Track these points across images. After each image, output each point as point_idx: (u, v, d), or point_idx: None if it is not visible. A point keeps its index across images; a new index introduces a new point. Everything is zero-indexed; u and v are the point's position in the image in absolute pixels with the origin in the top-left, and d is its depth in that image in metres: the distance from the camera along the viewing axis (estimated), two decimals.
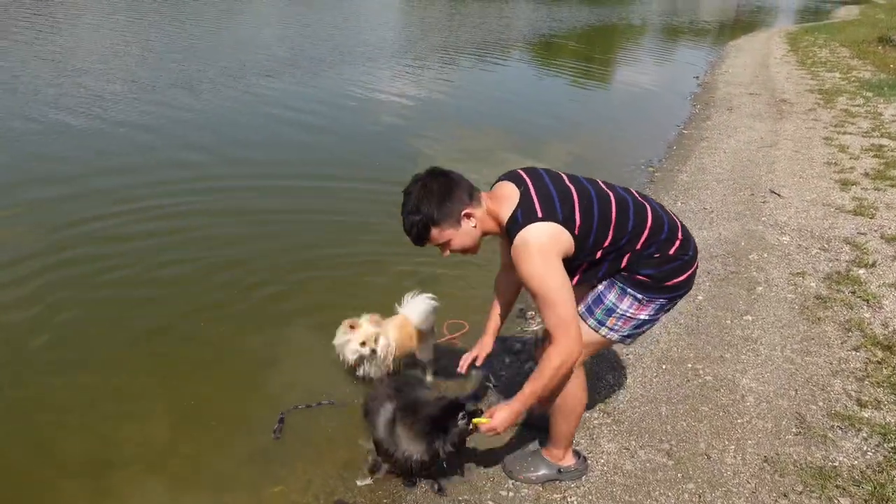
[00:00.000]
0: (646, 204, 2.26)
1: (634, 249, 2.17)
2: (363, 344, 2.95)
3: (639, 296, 2.21)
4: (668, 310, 2.32)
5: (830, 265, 4.29)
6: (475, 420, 2.25)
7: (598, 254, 2.16)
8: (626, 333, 2.29)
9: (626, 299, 2.22)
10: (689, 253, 2.24)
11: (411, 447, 2.39)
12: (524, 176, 2.21)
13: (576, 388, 2.33)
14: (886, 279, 4.10)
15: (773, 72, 13.75)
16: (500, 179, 2.29)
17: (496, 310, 2.63)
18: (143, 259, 4.38)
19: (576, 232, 2.07)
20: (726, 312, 3.78)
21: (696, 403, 3.00)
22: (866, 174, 6.32)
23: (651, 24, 28.61)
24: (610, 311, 2.24)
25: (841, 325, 3.60)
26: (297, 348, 3.52)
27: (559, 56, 17.07)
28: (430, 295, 3.20)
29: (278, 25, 17.72)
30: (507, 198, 2.15)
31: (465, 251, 2.27)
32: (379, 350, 2.99)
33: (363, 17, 21.84)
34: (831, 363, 3.28)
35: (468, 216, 2.16)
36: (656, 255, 2.18)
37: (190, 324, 3.69)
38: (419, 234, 2.19)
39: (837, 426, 2.82)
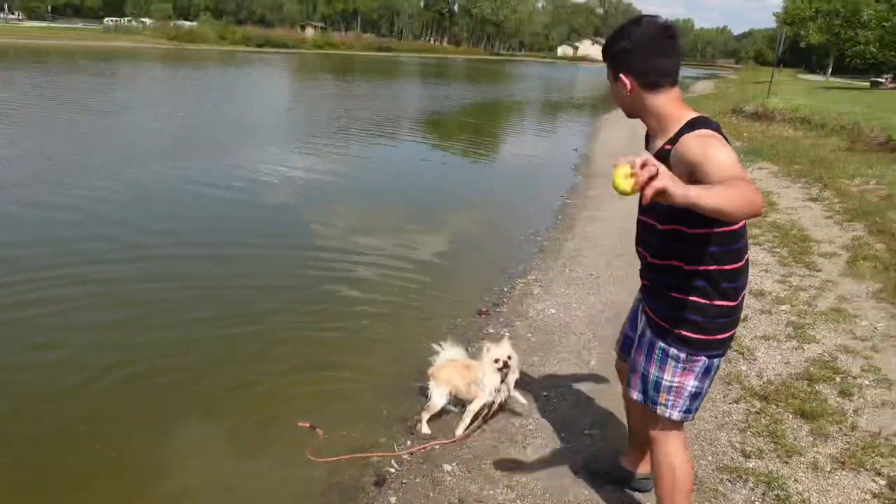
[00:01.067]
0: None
1: (723, 267, 2.05)
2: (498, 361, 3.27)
3: (681, 354, 2.13)
4: (712, 377, 2.22)
5: None
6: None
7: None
8: (684, 408, 2.20)
9: (667, 367, 2.17)
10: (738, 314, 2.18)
11: None
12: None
13: (684, 464, 2.28)
14: (757, 332, 4.42)
15: (642, 143, 14.84)
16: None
17: None
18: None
19: None
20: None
21: None
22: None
23: (533, 100, 30.43)
24: (657, 386, 2.21)
25: (722, 380, 3.82)
26: (189, 451, 3.31)
27: (450, 132, 17.76)
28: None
29: (170, 109, 17.39)
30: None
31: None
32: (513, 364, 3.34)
33: (256, 99, 21.88)
34: (716, 417, 3.46)
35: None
36: (726, 291, 2.08)
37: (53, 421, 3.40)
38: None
39: (726, 479, 2.95)
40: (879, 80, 34.14)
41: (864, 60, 31.68)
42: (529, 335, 4.50)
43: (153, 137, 12.23)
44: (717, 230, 2.02)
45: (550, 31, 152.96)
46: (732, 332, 2.20)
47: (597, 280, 5.63)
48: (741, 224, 2.07)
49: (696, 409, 2.27)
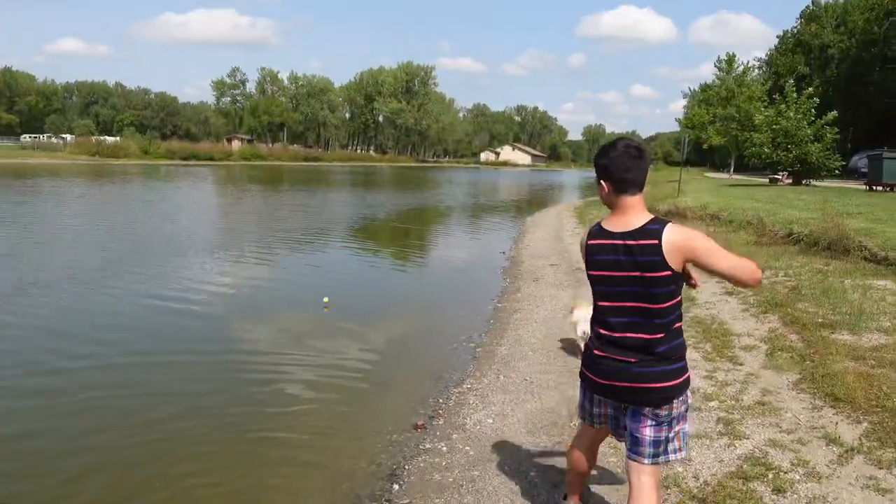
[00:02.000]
0: None
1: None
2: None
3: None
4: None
5: None
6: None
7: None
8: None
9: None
10: None
11: None
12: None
13: None
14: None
15: (567, 243, 15.43)
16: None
17: None
18: None
19: None
20: (558, 489, 3.86)
21: None
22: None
23: (461, 204, 31.29)
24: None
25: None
26: None
27: (381, 238, 17.99)
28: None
29: (100, 224, 16.89)
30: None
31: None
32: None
33: (185, 210, 21.61)
34: None
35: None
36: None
37: None
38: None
39: None
40: (777, 176, 37.04)
41: (760, 160, 34.45)
42: (468, 448, 4.41)
43: (78, 252, 11.82)
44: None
45: (472, 139, 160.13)
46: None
47: (531, 385, 5.63)
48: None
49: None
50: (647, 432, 2.72)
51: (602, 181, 2.76)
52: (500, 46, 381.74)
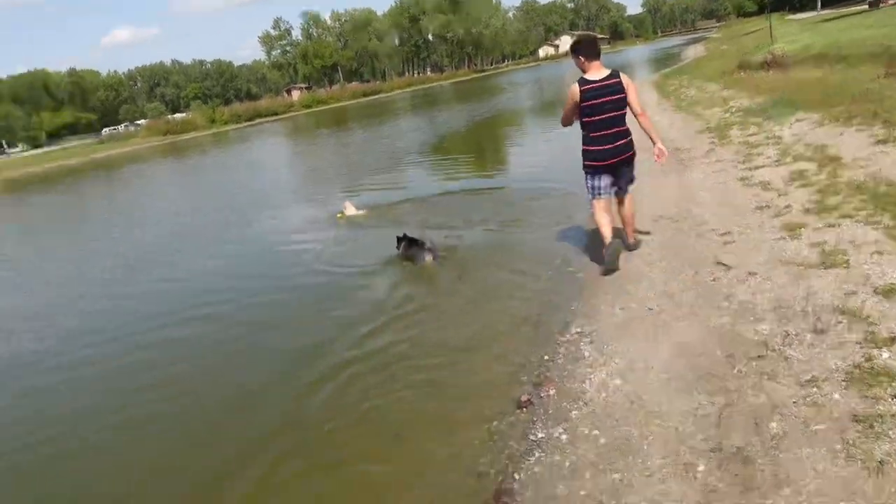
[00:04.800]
0: None
1: None
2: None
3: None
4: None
5: (842, 357, 3.19)
6: None
7: None
8: None
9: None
10: None
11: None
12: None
13: None
14: None
15: (655, 122, 13.45)
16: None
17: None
18: None
19: None
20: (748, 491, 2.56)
21: None
22: (807, 210, 5.47)
23: (526, 105, 29.17)
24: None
25: None
26: None
27: (449, 155, 16.70)
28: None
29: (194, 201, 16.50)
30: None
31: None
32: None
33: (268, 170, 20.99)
34: None
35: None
36: None
37: None
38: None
39: None
40: None
41: None
42: (596, 432, 3.16)
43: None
44: None
45: (527, 37, 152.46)
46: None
47: (659, 316, 4.27)
48: None
49: None
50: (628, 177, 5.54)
51: (579, 56, 5.19)
52: None
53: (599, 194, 5.38)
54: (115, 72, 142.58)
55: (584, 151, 5.32)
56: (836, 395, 2.87)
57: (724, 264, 4.80)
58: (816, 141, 7.83)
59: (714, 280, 4.58)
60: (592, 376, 3.67)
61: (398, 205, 10.56)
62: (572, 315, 4.73)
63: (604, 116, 5.07)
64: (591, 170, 5.33)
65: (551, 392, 3.65)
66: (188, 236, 11.35)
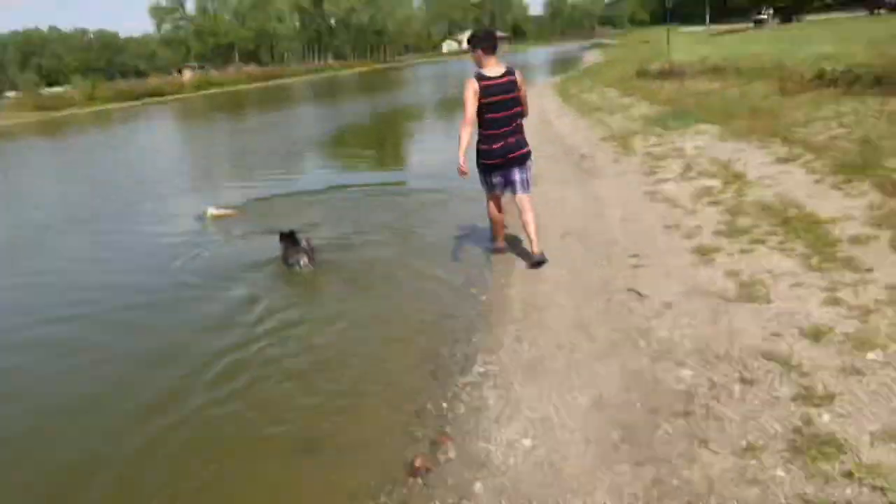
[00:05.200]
0: None
1: None
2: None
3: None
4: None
5: (778, 418, 2.81)
6: None
7: None
8: None
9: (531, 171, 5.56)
10: None
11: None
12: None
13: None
14: (864, 423, 2.68)
15: (557, 127, 13.32)
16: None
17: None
18: None
19: None
20: None
21: None
22: (718, 232, 5.21)
23: (427, 101, 28.71)
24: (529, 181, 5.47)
25: None
26: None
27: (347, 150, 15.92)
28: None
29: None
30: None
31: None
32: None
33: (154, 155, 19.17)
34: None
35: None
36: None
37: None
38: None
39: None
40: (761, 17, 34.26)
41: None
42: None
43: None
44: None
45: (431, 30, 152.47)
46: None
47: (572, 354, 3.81)
48: None
49: None
50: (522, 177, 5.37)
51: (477, 49, 5.15)
52: None
53: (493, 191, 5.51)
54: None
55: (477, 149, 5.27)
56: (780, 472, 2.48)
57: (637, 292, 4.43)
58: (719, 156, 7.76)
59: (629, 311, 4.18)
60: (499, 434, 3.14)
61: (283, 200, 9.78)
62: (474, 349, 4.19)
63: (500, 115, 5.10)
64: (484, 168, 5.36)
65: (450, 454, 3.09)
66: (45, 229, 9.93)
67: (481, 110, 5.06)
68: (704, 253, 4.83)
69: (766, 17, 33.92)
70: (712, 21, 59.21)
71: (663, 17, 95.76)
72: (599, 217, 6.40)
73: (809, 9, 30.44)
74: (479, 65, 5.11)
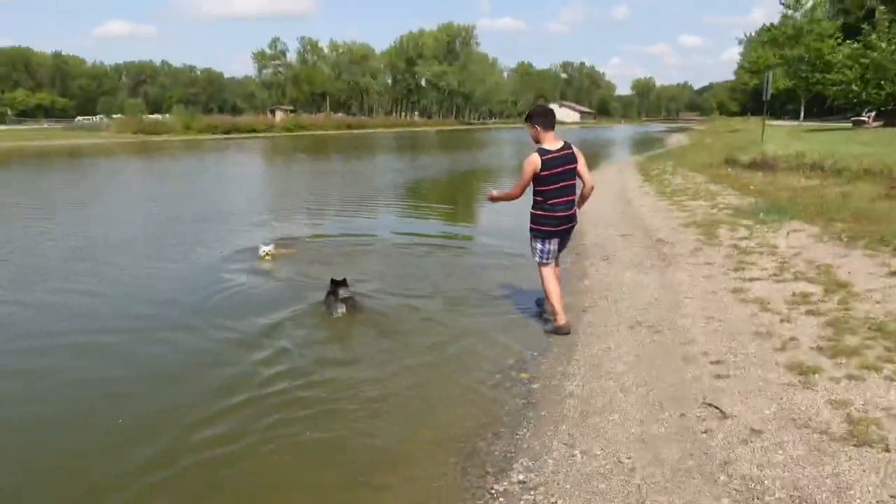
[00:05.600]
0: None
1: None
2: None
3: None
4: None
5: None
6: None
7: None
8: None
9: None
10: None
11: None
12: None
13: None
14: None
15: (636, 206, 12.68)
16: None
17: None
18: None
19: None
20: None
21: None
22: (819, 348, 4.45)
23: (507, 163, 28.53)
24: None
25: None
26: None
27: (425, 199, 15.79)
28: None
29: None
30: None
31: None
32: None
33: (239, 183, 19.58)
34: None
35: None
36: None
37: None
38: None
39: None
40: (862, 118, 32.89)
41: (846, 99, 30.44)
42: None
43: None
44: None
45: (518, 98, 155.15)
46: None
47: (632, 478, 3.13)
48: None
49: None
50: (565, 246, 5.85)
51: (535, 125, 5.30)
52: (541, 2, 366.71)
53: (548, 259, 5.55)
54: (101, 63, 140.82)
55: (537, 217, 5.45)
56: None
57: (718, 409, 3.72)
58: (818, 258, 6.95)
59: (707, 433, 3.48)
60: None
61: (344, 245, 9.83)
62: (516, 449, 3.56)
63: (560, 185, 5.28)
64: (544, 234, 5.48)
65: None
66: (117, 245, 9.92)
67: (544, 181, 5.26)
68: (803, 372, 4.08)
69: (866, 118, 32.52)
70: (806, 117, 57.72)
71: (753, 108, 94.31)
72: (676, 309, 5.70)
73: None
74: (538, 140, 5.30)
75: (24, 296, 7.06)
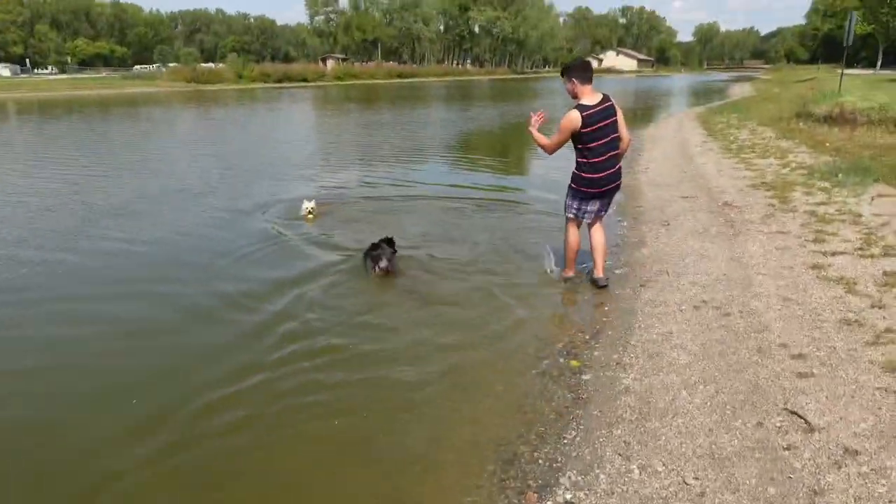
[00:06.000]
0: None
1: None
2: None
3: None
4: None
5: None
6: None
7: None
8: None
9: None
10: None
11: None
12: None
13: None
14: None
15: (699, 164, 11.81)
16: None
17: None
18: None
19: None
20: None
21: None
22: None
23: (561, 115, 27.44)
24: None
25: None
26: None
27: (476, 151, 15.34)
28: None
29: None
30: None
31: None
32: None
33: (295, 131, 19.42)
34: None
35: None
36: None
37: None
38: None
39: None
40: None
41: None
42: None
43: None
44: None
45: (573, 45, 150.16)
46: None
47: (699, 500, 2.67)
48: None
49: None
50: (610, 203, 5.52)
51: (572, 79, 5.03)
52: None
53: (582, 217, 5.46)
54: (158, 11, 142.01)
55: (579, 177, 5.26)
56: None
57: (803, 418, 3.19)
58: None
59: (790, 450, 2.96)
60: None
61: (390, 201, 9.54)
62: (563, 458, 3.13)
63: (604, 141, 5.07)
64: (584, 195, 5.31)
65: None
66: (171, 195, 9.90)
67: (584, 139, 5.06)
68: None
69: None
70: (884, 66, 53.97)
71: (825, 56, 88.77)
72: (747, 288, 5.09)
73: None
74: (575, 95, 5.07)
75: (54, 251, 6.93)
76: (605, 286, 5.40)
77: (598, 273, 5.47)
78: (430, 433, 3.45)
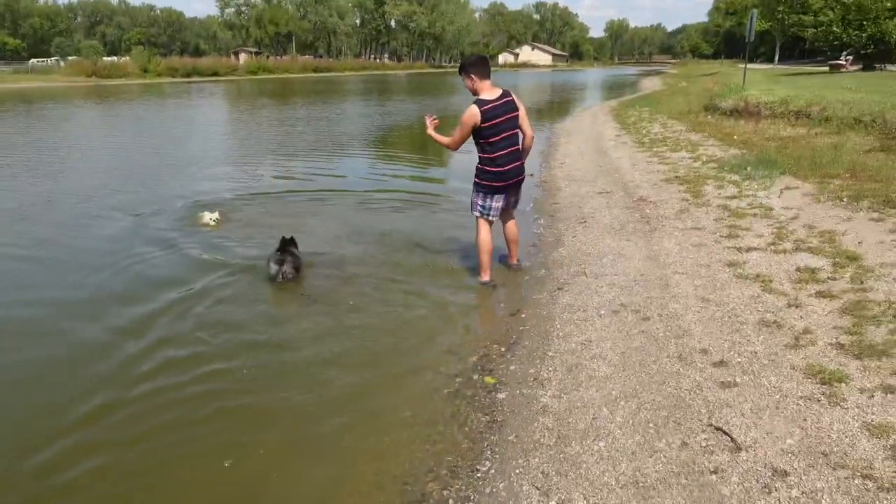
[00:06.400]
0: None
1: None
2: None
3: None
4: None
5: None
6: None
7: None
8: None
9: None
10: None
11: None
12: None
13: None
14: None
15: (614, 158, 11.84)
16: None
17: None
18: None
19: None
20: None
21: None
22: (839, 346, 3.72)
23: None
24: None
25: None
26: None
27: (394, 147, 14.89)
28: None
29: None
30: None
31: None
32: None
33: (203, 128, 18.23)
34: None
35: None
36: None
37: None
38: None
39: None
40: (840, 62, 32.13)
41: (828, 42, 29.60)
42: None
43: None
44: None
45: (490, 41, 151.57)
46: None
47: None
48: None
49: None
50: (517, 197, 5.58)
51: (471, 75, 4.99)
52: None
53: (489, 215, 5.34)
54: (55, 1, 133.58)
55: (483, 171, 5.23)
56: None
57: (728, 436, 2.98)
58: (818, 223, 6.22)
59: (717, 473, 2.74)
60: None
61: (303, 201, 9.12)
62: (476, 494, 2.80)
63: (504, 135, 5.07)
64: (489, 190, 5.25)
65: None
66: (54, 203, 8.90)
67: (484, 134, 5.03)
68: (826, 380, 3.35)
69: (844, 62, 31.78)
70: (780, 60, 56.97)
71: (726, 52, 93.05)
72: (665, 289, 4.93)
73: (893, 58, 28.25)
74: (475, 91, 5.06)
75: None
76: (519, 268, 5.74)
77: (512, 260, 5.77)
78: (328, 472, 3.06)
